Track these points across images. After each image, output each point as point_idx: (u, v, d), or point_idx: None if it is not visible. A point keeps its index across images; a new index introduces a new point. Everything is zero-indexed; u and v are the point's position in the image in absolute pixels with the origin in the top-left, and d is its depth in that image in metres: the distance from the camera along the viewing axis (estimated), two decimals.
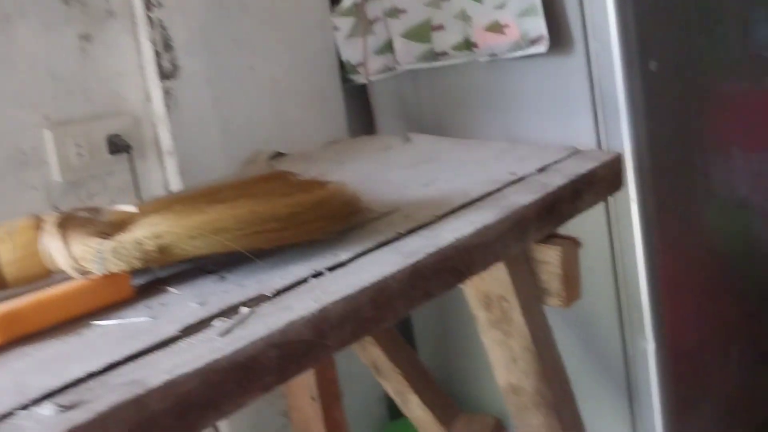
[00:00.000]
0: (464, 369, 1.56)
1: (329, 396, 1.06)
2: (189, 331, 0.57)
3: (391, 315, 0.66)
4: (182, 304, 0.62)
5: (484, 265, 0.75)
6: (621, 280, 1.22)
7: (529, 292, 0.84)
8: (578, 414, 0.88)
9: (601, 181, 0.92)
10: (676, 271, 1.25)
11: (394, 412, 1.57)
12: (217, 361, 0.52)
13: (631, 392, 1.26)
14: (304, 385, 1.07)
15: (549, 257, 0.84)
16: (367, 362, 1.09)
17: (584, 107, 1.18)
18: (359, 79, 1.45)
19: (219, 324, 0.57)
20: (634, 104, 1.14)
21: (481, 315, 0.87)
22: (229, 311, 0.60)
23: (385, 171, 1.00)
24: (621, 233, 1.20)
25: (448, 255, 0.70)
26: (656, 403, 1.23)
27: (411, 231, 0.75)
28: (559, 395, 0.85)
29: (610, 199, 1.20)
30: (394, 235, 0.73)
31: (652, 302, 1.20)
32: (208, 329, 0.57)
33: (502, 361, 0.87)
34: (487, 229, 0.74)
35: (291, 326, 0.57)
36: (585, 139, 1.19)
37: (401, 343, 1.08)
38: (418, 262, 0.67)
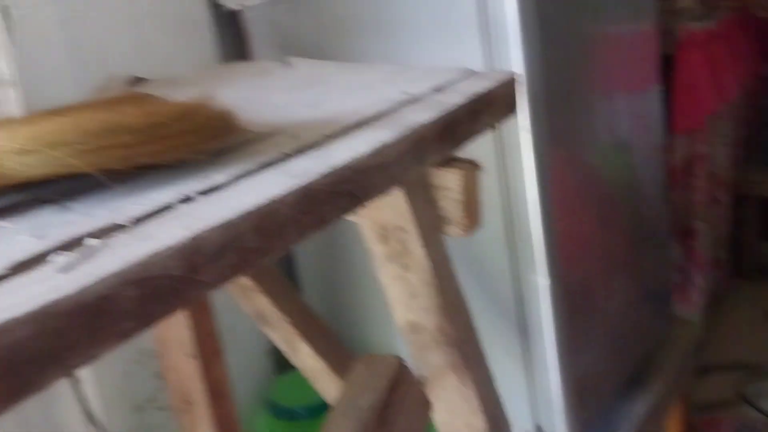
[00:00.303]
0: (353, 311, 1.49)
1: (208, 352, 0.95)
2: (21, 268, 0.45)
3: (279, 245, 0.56)
4: (12, 238, 0.50)
5: (383, 189, 0.66)
6: (512, 214, 1.18)
7: (429, 221, 0.77)
8: (481, 350, 0.82)
9: (499, 102, 0.85)
10: (567, 206, 1.23)
11: (281, 365, 1.48)
12: (57, 303, 0.40)
13: (523, 329, 1.23)
14: (179, 341, 0.95)
15: (449, 182, 0.76)
16: (251, 311, 0.99)
17: (473, 31, 1.11)
18: (229, 3, 1.31)
19: (60, 259, 0.46)
20: (527, 28, 1.08)
21: (377, 249, 0.78)
22: (73, 244, 0.48)
23: (265, 95, 0.89)
24: (512, 165, 1.15)
25: (344, 177, 0.61)
26: (549, 338, 1.21)
27: (299, 151, 0.64)
28: (462, 331, 0.79)
29: (500, 128, 1.14)
30: (279, 155, 0.63)
31: (545, 237, 1.16)
32: (45, 266, 0.45)
33: (401, 297, 0.79)
34: (385, 148, 0.66)
35: (154, 259, 0.46)
36: (474, 64, 1.12)
37: (288, 288, 0.99)
38: (310, 183, 0.58)
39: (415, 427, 0.68)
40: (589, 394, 1.32)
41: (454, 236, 0.79)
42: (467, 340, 0.80)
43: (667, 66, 1.73)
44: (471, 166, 0.77)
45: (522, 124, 1.10)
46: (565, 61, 1.18)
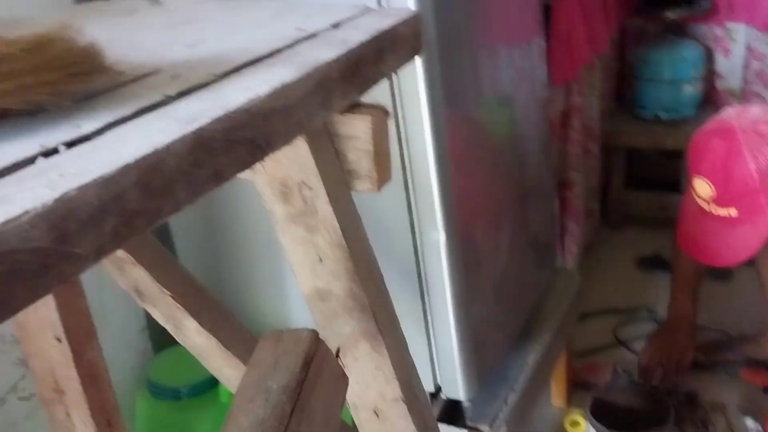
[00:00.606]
0: (236, 280, 1.38)
1: (80, 334, 0.82)
2: None
3: (168, 206, 0.46)
4: None
5: (286, 137, 0.57)
6: (409, 169, 1.11)
7: (336, 175, 0.68)
8: (394, 315, 0.76)
9: (403, 42, 0.77)
10: (461, 161, 1.18)
11: (159, 343, 1.35)
12: None
13: (423, 285, 1.18)
14: (44, 323, 0.82)
15: (357, 130, 0.68)
16: (126, 286, 0.87)
17: None
18: None
19: None
20: None
21: (277, 209, 0.69)
22: None
23: (134, 35, 0.76)
24: (408, 117, 1.08)
25: (242, 122, 0.51)
26: (448, 293, 1.17)
27: (184, 93, 0.54)
28: (375, 296, 0.72)
29: (395, 78, 1.07)
30: (160, 98, 0.52)
31: (442, 191, 1.11)
32: None
33: (306, 262, 0.71)
34: (286, 89, 0.56)
35: (11, 227, 0.35)
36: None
37: (168, 259, 0.87)
38: (201, 129, 0.47)
39: (333, 404, 0.61)
40: (485, 350, 1.30)
41: (363, 191, 0.71)
42: (380, 305, 0.73)
43: (547, 17, 1.72)
44: (379, 112, 0.69)
45: (420, 73, 1.03)
46: (451, 11, 1.12)
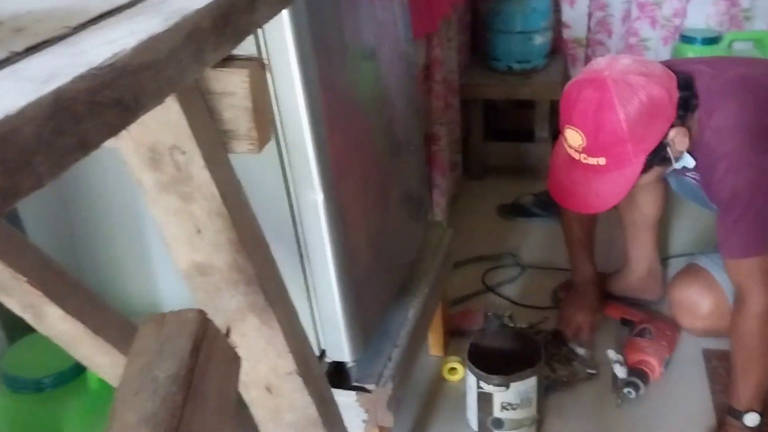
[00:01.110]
0: (99, 262, 1.28)
1: None
2: None
3: (28, 180, 0.39)
4: None
5: (157, 96, 0.50)
6: (281, 127, 1.06)
7: (212, 136, 0.62)
8: (283, 285, 0.71)
9: None
10: (335, 115, 1.13)
11: (15, 332, 1.23)
12: None
13: (302, 248, 1.14)
14: None
15: (232, 86, 0.62)
16: None
17: None
18: None
19: None
20: None
21: (146, 178, 0.62)
22: None
23: None
24: (277, 72, 1.02)
25: (108, 79, 0.44)
26: (328, 255, 1.13)
27: (34, 49, 0.46)
28: (262, 266, 0.67)
29: (260, 32, 1.00)
30: (5, 55, 0.44)
31: (317, 149, 1.07)
32: None
33: (182, 235, 0.65)
34: (155, 41, 0.49)
35: None
36: None
37: (20, 240, 0.77)
38: (61, 90, 0.40)
39: (227, 388, 0.56)
40: (368, 309, 1.29)
41: (242, 153, 0.65)
42: (267, 276, 0.68)
43: None
44: (256, 65, 0.63)
45: (286, 25, 0.97)
46: None
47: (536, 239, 2.33)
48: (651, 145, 1.40)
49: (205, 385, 0.52)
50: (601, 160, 1.41)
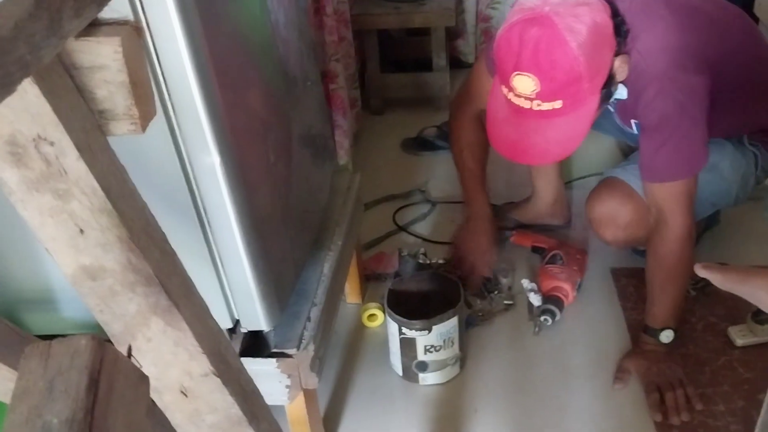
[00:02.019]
0: None
1: None
2: None
3: None
4: None
5: (7, 83, 0.40)
6: (165, 88, 0.94)
7: (84, 121, 0.52)
8: (188, 279, 0.63)
9: None
10: (225, 67, 1.02)
11: None
12: None
13: (203, 216, 1.04)
14: None
15: (103, 57, 0.52)
16: None
17: None
18: None
19: None
20: None
21: (9, 176, 0.51)
22: None
23: None
24: (155, 28, 0.89)
25: None
26: (232, 220, 1.04)
27: None
28: (160, 262, 0.58)
29: None
30: None
31: (208, 107, 0.96)
32: None
33: (63, 237, 0.55)
34: None
35: None
36: None
37: None
38: None
39: (135, 413, 0.48)
40: (281, 272, 1.21)
41: (123, 135, 0.55)
42: (168, 272, 0.59)
43: None
44: (129, 30, 0.53)
45: None
46: None
47: (443, 173, 2.30)
48: (603, 78, 1.32)
49: (109, 423, 0.44)
50: (557, 104, 1.30)
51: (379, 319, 1.73)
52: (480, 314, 1.74)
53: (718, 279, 1.18)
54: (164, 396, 0.64)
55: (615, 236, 1.68)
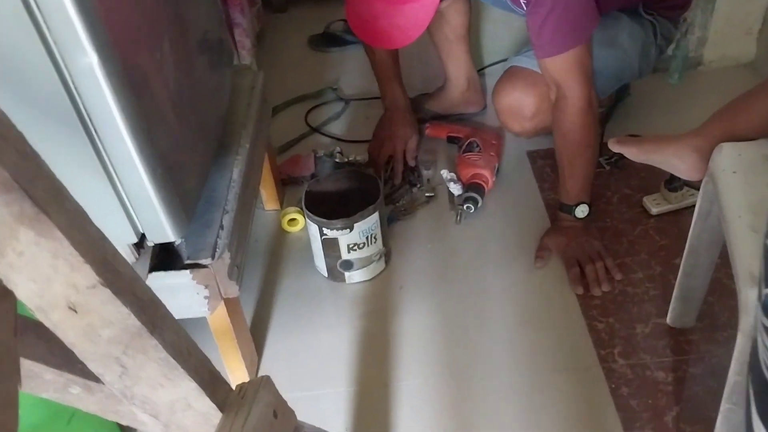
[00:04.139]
0: None
1: None
2: None
3: None
4: None
5: None
6: None
7: None
8: (56, 181, 0.56)
9: None
10: None
11: None
12: None
13: (87, 124, 0.95)
14: None
15: None
16: None
17: None
18: None
19: None
20: None
21: None
22: None
23: None
24: None
25: None
26: (121, 126, 0.95)
27: None
28: (18, 164, 0.51)
29: None
30: None
31: (78, 3, 0.86)
32: None
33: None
34: None
35: None
36: None
37: None
38: None
39: (1, 336, 0.42)
40: (185, 178, 1.14)
41: None
42: (31, 175, 0.52)
43: None
44: None
45: None
46: None
47: (354, 68, 2.23)
48: None
49: None
50: None
51: (299, 223, 1.69)
52: (402, 209, 1.72)
53: (632, 152, 1.18)
54: (51, 315, 0.58)
55: (523, 127, 1.67)
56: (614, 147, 1.16)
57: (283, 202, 1.77)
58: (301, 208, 1.58)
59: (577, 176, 1.52)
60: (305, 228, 1.58)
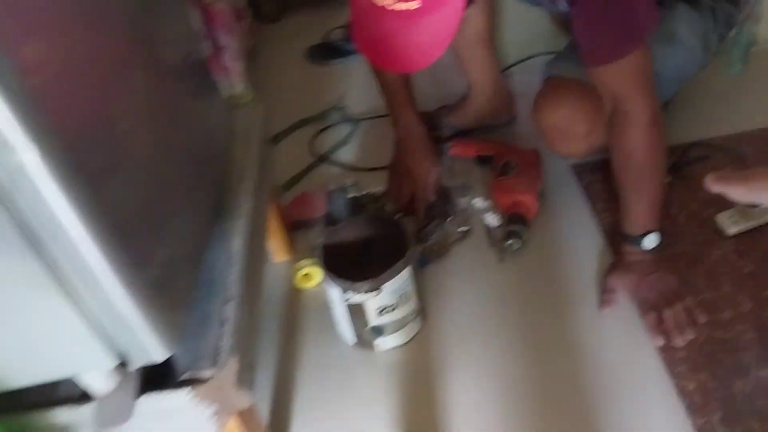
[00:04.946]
0: None
1: None
2: None
3: None
4: None
5: None
6: None
7: None
8: None
9: None
10: (26, 26, 0.66)
11: None
12: None
13: (28, 232, 0.71)
14: None
15: None
16: None
17: None
18: None
19: None
20: None
21: None
22: None
23: None
24: None
25: None
26: (73, 230, 0.70)
27: None
28: None
29: None
30: None
31: (6, 84, 0.61)
32: None
33: None
34: None
35: None
36: None
37: None
38: None
39: None
40: (170, 272, 0.89)
41: None
42: None
43: None
44: None
45: None
46: None
47: (360, 81, 1.97)
48: None
49: None
50: (415, 3, 1.04)
51: (315, 277, 1.44)
52: (435, 249, 1.47)
53: (740, 192, 0.93)
54: None
55: (574, 149, 1.42)
56: (715, 187, 0.91)
57: (293, 252, 1.52)
58: (317, 259, 1.34)
59: (644, 202, 1.27)
60: (322, 284, 1.33)
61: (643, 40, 1.14)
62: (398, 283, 1.23)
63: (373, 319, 1.26)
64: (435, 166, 1.55)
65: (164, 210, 0.89)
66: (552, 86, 1.38)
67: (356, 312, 1.25)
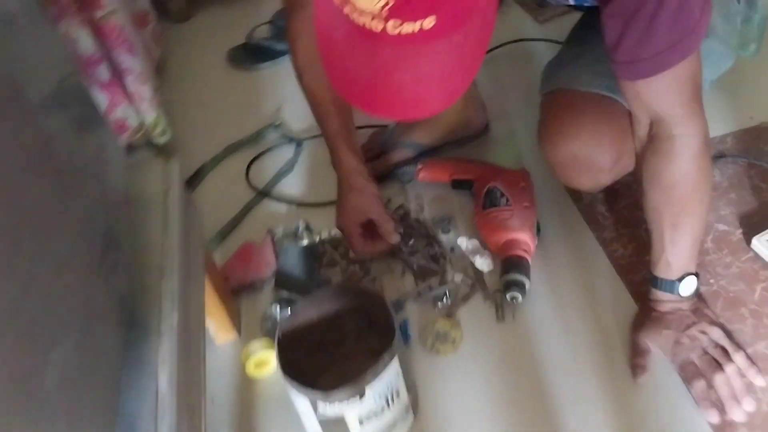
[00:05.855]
0: None
1: None
2: None
3: None
4: None
5: None
6: None
7: None
8: None
9: None
10: None
11: None
12: None
13: None
14: None
15: None
16: None
17: None
18: None
19: None
20: None
21: None
22: None
23: None
24: None
25: None
26: None
27: None
28: None
29: None
30: None
31: None
32: None
33: None
34: None
35: None
36: None
37: None
38: None
39: None
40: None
41: None
42: None
43: None
44: None
45: None
46: None
47: (297, 90, 1.63)
48: None
49: None
50: (429, 21, 0.66)
51: (269, 362, 1.13)
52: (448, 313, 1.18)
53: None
54: None
55: (600, 182, 1.14)
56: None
57: (240, 327, 1.21)
58: (270, 337, 1.04)
59: (684, 242, 1.01)
60: (277, 371, 1.02)
61: (697, 43, 0.86)
62: (385, 382, 0.94)
63: (355, 430, 0.96)
64: (380, 201, 1.23)
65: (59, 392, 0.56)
66: (562, 105, 1.10)
67: (332, 426, 0.95)
